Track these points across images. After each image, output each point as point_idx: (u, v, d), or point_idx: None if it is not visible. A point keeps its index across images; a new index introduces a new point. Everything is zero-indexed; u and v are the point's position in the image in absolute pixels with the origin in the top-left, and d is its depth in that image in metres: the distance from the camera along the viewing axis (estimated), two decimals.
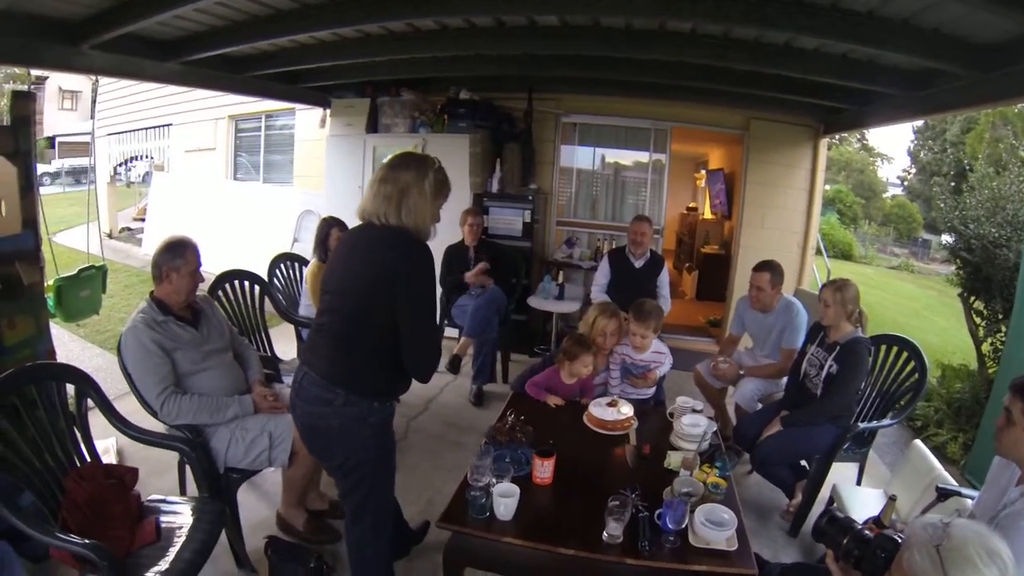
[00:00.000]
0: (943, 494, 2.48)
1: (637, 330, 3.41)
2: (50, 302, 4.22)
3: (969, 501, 2.40)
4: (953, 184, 20.55)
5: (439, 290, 4.97)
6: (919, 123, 26.26)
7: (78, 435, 2.36)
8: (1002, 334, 4.83)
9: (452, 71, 5.44)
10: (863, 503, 2.79)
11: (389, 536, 2.35)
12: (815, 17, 3.19)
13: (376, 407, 2.10)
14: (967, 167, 20.53)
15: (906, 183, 29.75)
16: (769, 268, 3.86)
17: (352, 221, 2.31)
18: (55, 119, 23.69)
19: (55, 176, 20.47)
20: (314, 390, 2.08)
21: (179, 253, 2.68)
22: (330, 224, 4.08)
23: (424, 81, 6.17)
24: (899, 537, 1.48)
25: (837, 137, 19.42)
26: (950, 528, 1.29)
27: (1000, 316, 4.95)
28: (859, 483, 3.40)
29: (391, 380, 2.15)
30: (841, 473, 3.39)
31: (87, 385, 2.41)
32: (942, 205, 7.19)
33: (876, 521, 1.86)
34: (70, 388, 2.39)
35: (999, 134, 19.69)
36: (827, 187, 22.99)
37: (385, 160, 2.22)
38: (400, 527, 2.67)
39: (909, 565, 1.30)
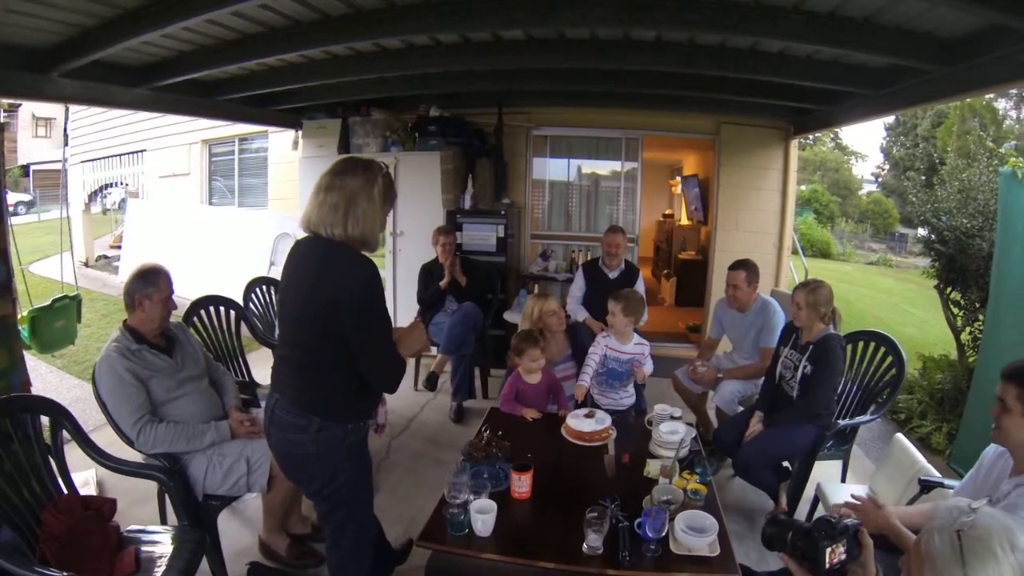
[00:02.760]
0: (926, 486, 2.50)
1: (612, 308, 3.46)
2: (24, 333, 4.18)
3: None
4: (925, 178, 20.96)
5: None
6: (890, 119, 26.75)
7: (54, 467, 2.33)
8: (980, 323, 4.88)
9: (421, 89, 5.44)
10: (848, 500, 2.79)
11: (371, 557, 2.33)
12: (777, 20, 3.22)
13: (351, 429, 2.08)
14: (938, 161, 20.88)
15: (880, 179, 30.18)
16: (744, 267, 3.90)
17: None
18: (29, 147, 23.43)
19: (30, 204, 20.27)
20: (288, 418, 2.05)
21: (151, 281, 2.67)
22: None
23: (394, 100, 6.16)
24: (832, 518, 1.49)
25: (809, 137, 19.73)
26: (977, 516, 1.24)
27: (977, 305, 4.98)
28: (843, 480, 3.41)
29: (362, 400, 2.13)
30: (826, 471, 3.40)
31: (61, 416, 2.39)
32: (915, 199, 7.28)
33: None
34: (45, 420, 2.36)
35: (968, 126, 20.07)
36: (803, 187, 23.34)
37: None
38: (382, 547, 2.63)
39: (927, 547, 1.25)
